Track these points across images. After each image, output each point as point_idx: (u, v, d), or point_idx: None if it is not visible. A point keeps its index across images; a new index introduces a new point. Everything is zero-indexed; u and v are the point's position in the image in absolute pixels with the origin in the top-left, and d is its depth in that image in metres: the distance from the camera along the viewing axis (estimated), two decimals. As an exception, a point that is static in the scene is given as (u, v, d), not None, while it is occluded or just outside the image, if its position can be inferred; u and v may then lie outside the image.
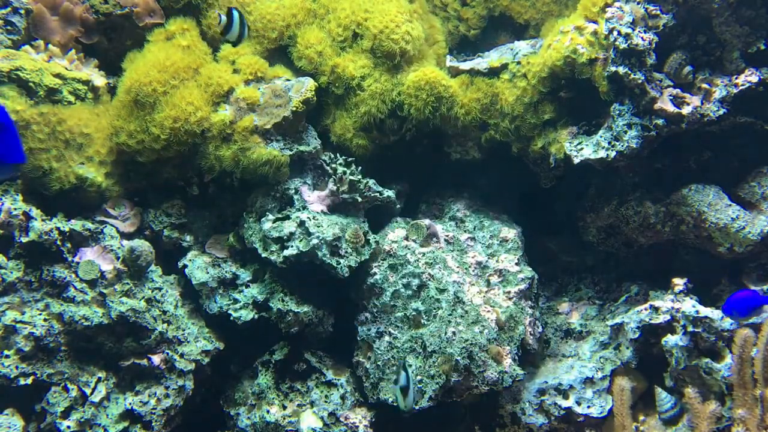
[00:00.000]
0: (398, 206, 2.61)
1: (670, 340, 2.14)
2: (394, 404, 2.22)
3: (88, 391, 2.06)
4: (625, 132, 2.22)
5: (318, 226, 2.27)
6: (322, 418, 2.25)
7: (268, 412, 2.25)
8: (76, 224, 2.17)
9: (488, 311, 2.30)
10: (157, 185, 2.41)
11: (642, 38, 2.18)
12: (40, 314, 2.04)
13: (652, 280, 2.44)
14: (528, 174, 2.58)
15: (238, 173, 2.31)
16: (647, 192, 2.39)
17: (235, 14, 2.18)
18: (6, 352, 1.97)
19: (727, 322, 2.08)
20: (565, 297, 2.65)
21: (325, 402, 2.27)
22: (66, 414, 2.01)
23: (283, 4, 2.60)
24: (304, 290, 2.33)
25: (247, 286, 2.35)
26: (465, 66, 2.56)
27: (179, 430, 2.24)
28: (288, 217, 2.32)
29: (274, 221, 2.31)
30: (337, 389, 2.30)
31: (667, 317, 2.17)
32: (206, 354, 2.27)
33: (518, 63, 2.48)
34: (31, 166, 2.14)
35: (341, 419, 2.25)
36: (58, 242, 2.11)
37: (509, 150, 2.55)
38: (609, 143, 2.24)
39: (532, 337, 2.34)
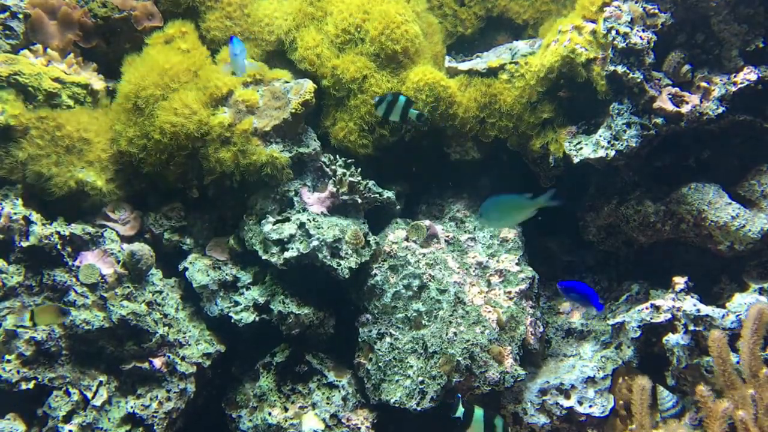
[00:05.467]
0: (398, 207, 2.61)
1: (671, 338, 2.13)
2: (395, 405, 2.22)
3: (89, 394, 2.06)
4: (625, 131, 2.22)
5: (318, 228, 2.27)
6: (323, 419, 2.25)
7: (269, 414, 2.25)
8: (77, 228, 2.17)
9: (489, 311, 2.30)
10: (157, 188, 2.41)
11: (640, 37, 2.18)
12: (41, 318, 2.04)
13: (653, 279, 2.44)
14: (528, 174, 2.58)
15: (237, 175, 2.31)
16: (647, 191, 2.39)
17: (402, 100, 2.20)
18: (7, 356, 1.98)
19: (728, 321, 2.08)
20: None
21: (327, 403, 2.27)
22: (68, 418, 2.01)
23: (282, 6, 2.60)
24: (304, 292, 2.33)
25: (248, 289, 2.35)
26: (463, 66, 2.56)
27: (181, 433, 2.24)
28: (288, 219, 2.32)
29: (275, 223, 2.31)
30: (339, 391, 2.30)
31: (668, 316, 2.17)
32: (207, 357, 2.27)
33: (516, 63, 2.48)
34: (32, 172, 2.14)
35: (343, 421, 2.26)
36: (59, 246, 2.11)
37: (509, 150, 2.55)
38: (608, 142, 2.24)
39: (533, 336, 2.35)
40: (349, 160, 2.47)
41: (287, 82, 2.43)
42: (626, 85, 2.20)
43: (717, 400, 1.77)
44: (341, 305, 2.42)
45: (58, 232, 2.12)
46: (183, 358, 2.22)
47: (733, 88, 2.18)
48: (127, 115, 2.31)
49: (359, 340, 2.36)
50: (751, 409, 1.72)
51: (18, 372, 1.97)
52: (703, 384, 1.87)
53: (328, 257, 2.26)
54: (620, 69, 2.18)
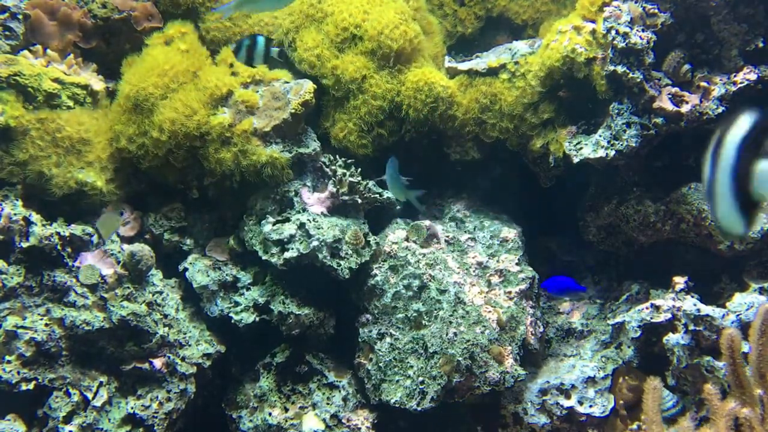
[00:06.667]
0: (398, 207, 2.61)
1: (672, 338, 2.13)
2: (396, 405, 2.22)
3: (89, 395, 2.06)
4: (624, 131, 2.22)
5: (318, 228, 2.27)
6: (324, 420, 2.25)
7: (270, 414, 2.25)
8: (77, 229, 2.17)
9: (489, 311, 2.30)
10: (157, 189, 2.41)
11: (640, 37, 2.18)
12: (41, 319, 2.04)
13: (653, 278, 2.44)
14: (528, 174, 2.58)
15: (237, 176, 2.31)
16: (647, 191, 2.39)
17: (261, 41, 2.28)
18: (7, 357, 1.97)
19: (729, 320, 2.08)
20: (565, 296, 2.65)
21: (327, 404, 2.27)
22: (68, 419, 2.01)
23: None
24: (304, 292, 2.33)
25: (248, 289, 2.35)
26: (463, 66, 2.56)
27: (181, 433, 2.24)
28: (288, 220, 2.32)
29: (274, 224, 2.31)
30: (339, 391, 2.30)
31: (668, 316, 2.17)
32: (207, 357, 2.27)
33: (516, 63, 2.48)
34: (32, 173, 2.14)
35: (343, 421, 2.26)
36: (59, 247, 2.11)
37: (509, 150, 2.55)
38: (608, 142, 2.24)
39: (533, 336, 2.35)
40: (349, 161, 2.47)
41: (287, 82, 2.43)
42: (626, 84, 2.20)
43: (725, 399, 1.76)
44: (341, 305, 2.42)
45: (58, 233, 2.11)
46: (183, 359, 2.22)
47: (733, 88, 2.18)
48: (127, 116, 2.31)
49: (359, 340, 2.36)
50: (758, 409, 1.71)
51: (18, 373, 1.97)
52: (711, 383, 1.86)
53: (328, 257, 2.26)
54: (620, 69, 2.18)
